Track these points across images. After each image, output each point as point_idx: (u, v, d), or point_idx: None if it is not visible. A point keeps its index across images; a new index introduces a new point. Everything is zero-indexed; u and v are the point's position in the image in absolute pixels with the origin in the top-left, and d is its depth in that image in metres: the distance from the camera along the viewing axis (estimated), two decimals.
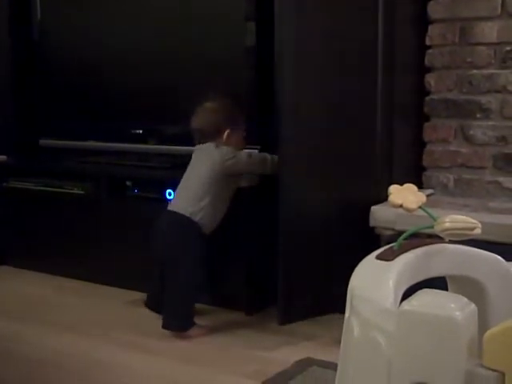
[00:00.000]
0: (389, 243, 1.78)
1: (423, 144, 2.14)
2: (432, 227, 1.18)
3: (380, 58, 1.88)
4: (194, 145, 2.11)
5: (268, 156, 2.00)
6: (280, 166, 1.90)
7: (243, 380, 1.56)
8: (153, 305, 1.97)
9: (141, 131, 2.45)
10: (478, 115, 2.03)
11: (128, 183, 2.36)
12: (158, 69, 2.34)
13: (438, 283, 1.24)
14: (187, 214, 1.88)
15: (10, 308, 2.14)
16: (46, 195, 2.49)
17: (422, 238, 1.29)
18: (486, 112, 2.02)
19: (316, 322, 1.93)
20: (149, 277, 2.00)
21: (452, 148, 2.09)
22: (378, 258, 1.15)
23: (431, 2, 2.07)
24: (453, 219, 1.14)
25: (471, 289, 1.25)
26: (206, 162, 1.92)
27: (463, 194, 2.05)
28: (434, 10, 2.07)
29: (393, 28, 1.91)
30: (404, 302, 0.89)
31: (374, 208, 1.83)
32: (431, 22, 2.07)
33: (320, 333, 1.85)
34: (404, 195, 1.31)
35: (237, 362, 1.68)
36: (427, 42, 2.09)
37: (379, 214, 1.82)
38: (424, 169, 2.14)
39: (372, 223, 1.83)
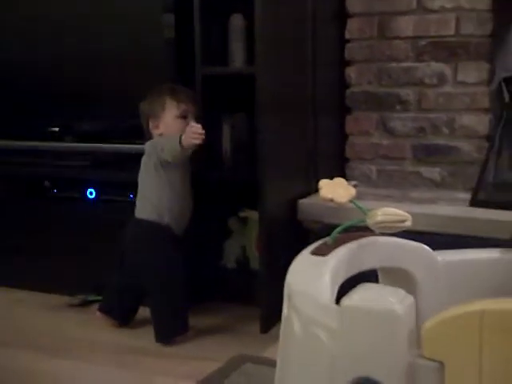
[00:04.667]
0: (318, 237, 1.80)
1: (345, 136, 2.18)
2: (364, 221, 1.20)
3: (309, 53, 1.90)
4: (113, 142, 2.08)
5: (175, 136, 1.80)
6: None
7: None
8: (106, 309, 1.92)
9: (57, 129, 2.36)
10: (398, 107, 2.09)
11: (46, 183, 2.28)
12: (74, 64, 2.26)
13: (367, 275, 1.26)
14: (152, 219, 1.83)
15: None
16: None
17: (352, 231, 1.30)
18: (404, 104, 2.08)
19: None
20: (83, 281, 1.95)
21: (373, 140, 2.14)
22: (313, 253, 1.16)
23: None
24: (384, 212, 1.16)
25: (401, 279, 1.28)
26: (147, 161, 1.86)
27: (385, 184, 2.10)
28: (352, 5, 2.10)
29: (315, 24, 1.94)
30: (344, 298, 0.90)
31: (301, 201, 1.85)
32: (350, 16, 2.11)
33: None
34: (334, 189, 1.32)
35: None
36: (346, 36, 2.12)
37: (307, 208, 1.83)
38: (347, 160, 2.18)
39: (300, 217, 1.84)
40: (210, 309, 2.00)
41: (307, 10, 1.97)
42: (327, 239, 1.22)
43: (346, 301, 0.88)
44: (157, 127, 1.87)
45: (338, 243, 1.19)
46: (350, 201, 1.29)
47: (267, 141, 1.80)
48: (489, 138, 1.98)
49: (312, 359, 0.93)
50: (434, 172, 2.05)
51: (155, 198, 1.84)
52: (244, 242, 2.14)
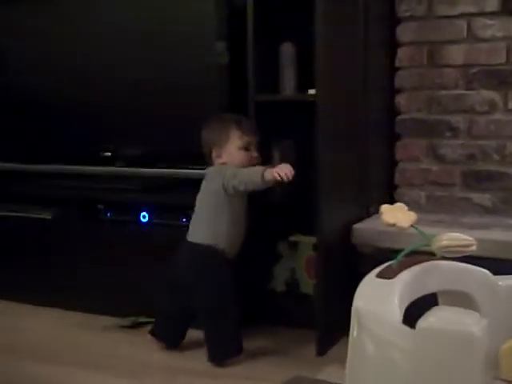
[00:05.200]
0: (371, 260, 1.83)
1: (395, 163, 2.21)
2: (429, 245, 1.23)
3: (360, 81, 1.94)
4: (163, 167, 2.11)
5: (258, 169, 1.81)
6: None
7: None
8: (156, 332, 1.95)
9: (109, 154, 2.42)
10: (447, 134, 2.11)
11: (100, 206, 2.34)
12: (126, 90, 2.30)
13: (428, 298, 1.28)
14: (208, 243, 1.85)
15: None
16: (12, 221, 2.43)
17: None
18: (454, 131, 2.10)
19: None
20: (134, 303, 1.97)
21: (423, 166, 2.16)
22: (380, 276, 1.19)
23: (400, 26, 2.15)
24: (450, 237, 1.19)
25: (462, 303, 1.29)
26: (207, 186, 1.88)
27: (435, 210, 2.12)
28: (402, 34, 2.15)
29: (367, 52, 1.98)
30: (420, 320, 0.92)
31: (355, 226, 1.87)
32: (400, 45, 2.15)
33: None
34: (395, 214, 1.35)
35: None
36: (396, 64, 2.16)
37: (361, 233, 1.86)
38: (396, 187, 2.21)
39: (354, 241, 1.87)
40: (260, 332, 2.02)
41: (359, 38, 2.01)
42: (392, 263, 1.25)
43: (423, 323, 0.90)
44: (219, 156, 1.89)
45: (402, 267, 1.22)
46: (412, 226, 1.32)
47: (324, 165, 1.83)
48: None
49: (388, 380, 0.95)
50: (484, 198, 2.07)
51: (213, 222, 1.86)
52: (293, 265, 2.16)
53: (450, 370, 0.87)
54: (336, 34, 1.91)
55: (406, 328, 0.97)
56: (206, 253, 1.86)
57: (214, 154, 1.90)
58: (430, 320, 0.90)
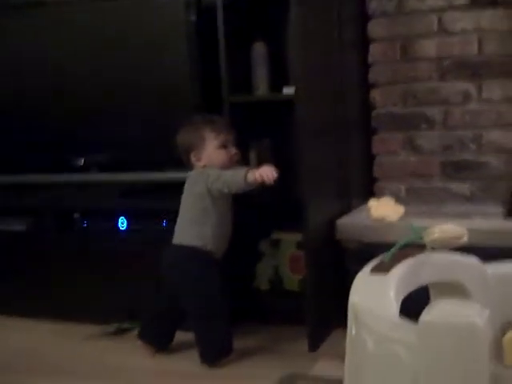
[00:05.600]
0: (355, 255, 1.84)
1: (373, 157, 2.22)
2: (421, 238, 1.23)
3: (337, 78, 1.94)
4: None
5: (240, 172, 1.81)
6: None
7: None
8: (147, 337, 1.94)
9: (82, 160, 2.38)
10: (424, 126, 2.13)
11: (76, 216, 2.30)
12: (99, 95, 2.27)
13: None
14: (195, 244, 1.85)
15: None
16: None
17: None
18: (430, 123, 2.12)
19: None
20: (116, 310, 1.96)
21: (401, 159, 2.18)
22: (374, 271, 1.19)
23: (371, 23, 2.16)
24: (441, 229, 1.20)
25: (454, 293, 1.31)
26: (191, 189, 1.88)
27: (415, 202, 2.13)
28: (374, 30, 2.16)
29: (342, 50, 2.00)
30: (423, 313, 0.92)
31: (339, 221, 1.88)
32: (372, 41, 2.17)
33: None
34: (383, 209, 1.36)
35: None
36: (369, 60, 2.18)
37: (345, 228, 1.86)
38: (376, 180, 2.22)
39: (338, 236, 1.87)
40: (247, 331, 2.02)
41: (334, 37, 2.02)
42: (383, 257, 1.25)
43: (426, 316, 0.91)
44: (199, 159, 1.89)
45: (395, 261, 1.22)
46: (404, 221, 1.32)
47: (307, 163, 1.84)
48: None
49: (391, 376, 0.95)
50: (463, 187, 2.10)
51: (199, 225, 1.86)
52: (276, 262, 2.17)
53: (455, 362, 0.87)
54: (311, 33, 1.91)
55: (407, 323, 0.97)
56: (193, 254, 1.86)
57: (193, 158, 1.90)
58: (432, 313, 0.91)
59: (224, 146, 1.88)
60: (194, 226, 1.86)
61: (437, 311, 0.91)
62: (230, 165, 1.88)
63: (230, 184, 1.80)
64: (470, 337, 0.86)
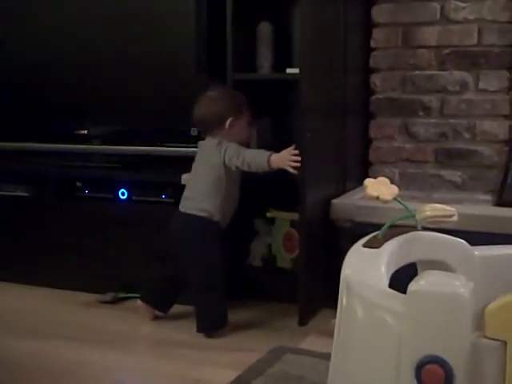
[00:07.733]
0: (349, 234, 1.89)
1: (370, 140, 2.27)
2: (413, 216, 1.29)
3: (340, 60, 1.98)
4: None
5: (263, 154, 1.85)
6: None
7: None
8: (148, 298, 1.98)
9: (85, 132, 2.42)
10: (421, 113, 2.18)
11: (78, 184, 2.34)
12: (102, 69, 2.30)
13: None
14: (204, 215, 1.87)
15: None
16: None
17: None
18: (427, 110, 2.17)
19: None
20: (114, 279, 1.99)
21: (396, 144, 2.23)
22: (366, 246, 1.24)
23: (375, 7, 2.20)
24: (433, 208, 1.25)
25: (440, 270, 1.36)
26: (208, 162, 1.90)
27: (408, 186, 2.19)
28: (377, 15, 2.20)
29: (346, 33, 2.04)
30: (411, 283, 0.97)
31: (334, 201, 1.93)
32: (375, 26, 2.21)
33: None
34: (378, 188, 1.41)
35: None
36: (372, 45, 2.22)
37: (339, 208, 1.91)
38: (371, 164, 2.27)
39: (332, 216, 1.93)
40: (239, 305, 2.06)
41: (339, 19, 2.06)
42: (377, 234, 1.31)
43: (414, 286, 0.96)
44: (233, 126, 1.89)
45: (387, 237, 1.28)
46: (395, 198, 1.38)
47: (307, 142, 1.88)
48: (508, 142, 2.07)
49: (378, 340, 1.01)
50: (455, 175, 2.15)
51: (211, 196, 1.88)
52: (269, 241, 2.21)
53: (439, 330, 0.93)
54: (318, 15, 1.95)
55: (396, 293, 1.02)
56: (200, 224, 1.88)
57: (227, 123, 1.88)
58: (419, 283, 0.95)
59: (250, 124, 1.95)
60: (206, 197, 1.88)
61: (424, 281, 0.96)
62: (246, 143, 1.94)
63: (250, 164, 1.84)
64: (454, 306, 0.91)
